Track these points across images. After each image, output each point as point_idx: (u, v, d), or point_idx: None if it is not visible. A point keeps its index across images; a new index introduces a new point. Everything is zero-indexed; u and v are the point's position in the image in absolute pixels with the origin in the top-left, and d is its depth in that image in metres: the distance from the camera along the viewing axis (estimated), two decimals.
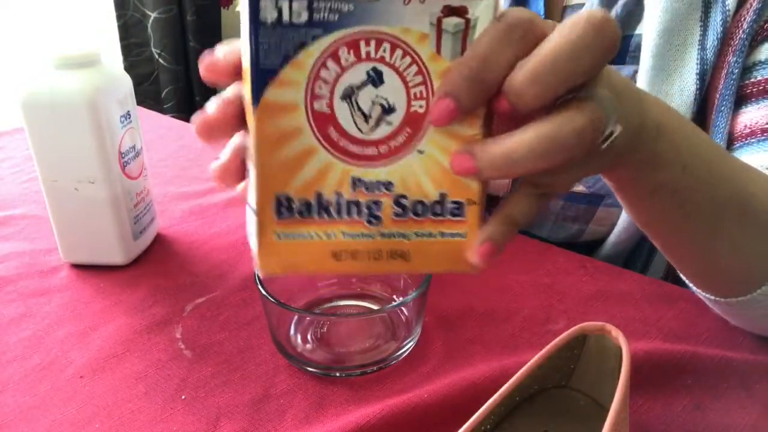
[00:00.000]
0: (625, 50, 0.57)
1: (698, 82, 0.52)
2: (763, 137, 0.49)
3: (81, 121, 0.51)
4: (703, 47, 0.52)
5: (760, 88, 0.51)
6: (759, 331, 0.47)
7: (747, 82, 0.51)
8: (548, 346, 0.36)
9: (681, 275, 0.46)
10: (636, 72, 0.55)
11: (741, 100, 0.52)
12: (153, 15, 2.08)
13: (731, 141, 0.52)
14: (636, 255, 0.64)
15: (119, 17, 2.08)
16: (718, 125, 0.52)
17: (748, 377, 0.43)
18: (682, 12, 0.52)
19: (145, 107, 1.14)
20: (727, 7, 0.50)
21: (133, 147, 0.56)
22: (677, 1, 0.52)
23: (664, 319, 0.50)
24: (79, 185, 0.53)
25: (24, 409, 0.42)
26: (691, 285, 0.47)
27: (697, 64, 0.52)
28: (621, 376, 0.34)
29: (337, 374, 0.44)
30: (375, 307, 0.52)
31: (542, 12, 0.61)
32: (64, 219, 0.56)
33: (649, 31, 0.53)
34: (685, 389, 0.42)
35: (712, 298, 0.44)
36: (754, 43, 0.51)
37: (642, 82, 0.54)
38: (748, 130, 0.51)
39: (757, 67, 0.51)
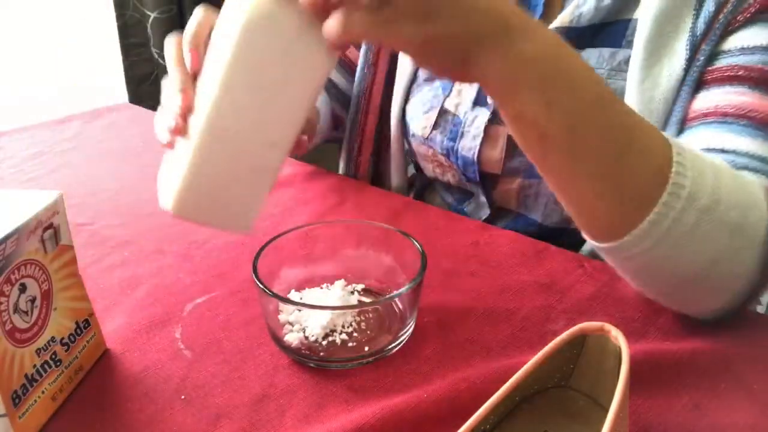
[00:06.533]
0: (621, 34, 0.57)
1: (686, 68, 0.53)
2: (704, 121, 0.51)
3: (311, 78, 0.40)
4: (693, 34, 0.53)
5: (716, 76, 0.52)
6: (649, 289, 0.49)
7: (708, 69, 0.53)
8: (548, 346, 0.37)
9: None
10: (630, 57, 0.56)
11: (699, 86, 0.53)
12: (153, 15, 2.08)
13: (681, 125, 0.54)
14: None
15: (119, 17, 2.08)
16: (675, 109, 0.54)
17: (748, 377, 0.43)
18: (677, 1, 0.53)
19: (144, 107, 1.14)
20: None
21: None
22: None
23: (664, 319, 0.50)
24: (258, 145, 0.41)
25: None
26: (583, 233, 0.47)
27: (686, 50, 0.53)
28: (620, 376, 0.34)
29: (333, 366, 0.45)
30: (369, 299, 0.52)
31: (541, 7, 0.62)
32: (209, 170, 0.41)
33: (643, 16, 0.54)
34: (685, 389, 0.42)
35: (595, 244, 0.45)
36: (725, 33, 0.52)
37: (633, 66, 0.55)
38: (693, 115, 0.53)
39: (721, 56, 0.52)
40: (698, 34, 0.53)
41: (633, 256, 0.43)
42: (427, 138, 0.71)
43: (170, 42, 0.45)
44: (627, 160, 0.40)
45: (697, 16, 0.53)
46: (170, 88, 0.41)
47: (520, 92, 0.37)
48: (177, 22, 2.12)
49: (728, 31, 0.52)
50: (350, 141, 0.81)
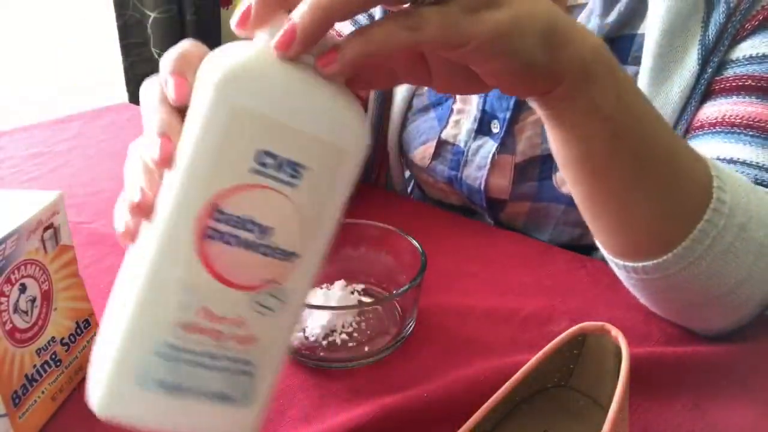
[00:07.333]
0: (627, 50, 0.56)
1: (696, 81, 0.53)
2: (711, 130, 0.51)
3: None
4: (704, 47, 0.52)
5: (723, 86, 0.52)
6: (666, 309, 0.49)
7: (716, 78, 0.52)
8: (548, 346, 0.37)
9: (597, 242, 0.47)
10: (637, 74, 0.54)
11: (707, 96, 0.53)
12: (153, 15, 2.08)
13: (685, 134, 0.54)
14: None
15: (119, 17, 2.08)
16: (681, 120, 0.53)
17: (748, 377, 0.43)
18: (685, 13, 0.52)
19: None
20: (730, 6, 0.51)
21: None
22: (681, 1, 0.51)
23: (664, 319, 0.50)
24: None
25: None
26: (606, 255, 0.47)
27: (698, 63, 0.52)
28: (620, 375, 0.34)
29: (333, 366, 0.45)
30: (369, 299, 0.52)
31: None
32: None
33: (651, 31, 0.53)
34: (685, 389, 0.42)
35: (626, 264, 0.44)
36: (733, 42, 0.52)
37: (642, 82, 0.54)
38: (699, 124, 0.52)
39: (729, 66, 0.52)
40: (709, 46, 0.52)
41: (668, 275, 0.42)
42: (426, 168, 0.70)
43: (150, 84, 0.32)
44: (683, 170, 0.40)
45: (706, 27, 0.52)
46: (145, 136, 0.30)
47: (597, 79, 0.35)
48: (177, 22, 2.12)
49: (736, 40, 0.51)
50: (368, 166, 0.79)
